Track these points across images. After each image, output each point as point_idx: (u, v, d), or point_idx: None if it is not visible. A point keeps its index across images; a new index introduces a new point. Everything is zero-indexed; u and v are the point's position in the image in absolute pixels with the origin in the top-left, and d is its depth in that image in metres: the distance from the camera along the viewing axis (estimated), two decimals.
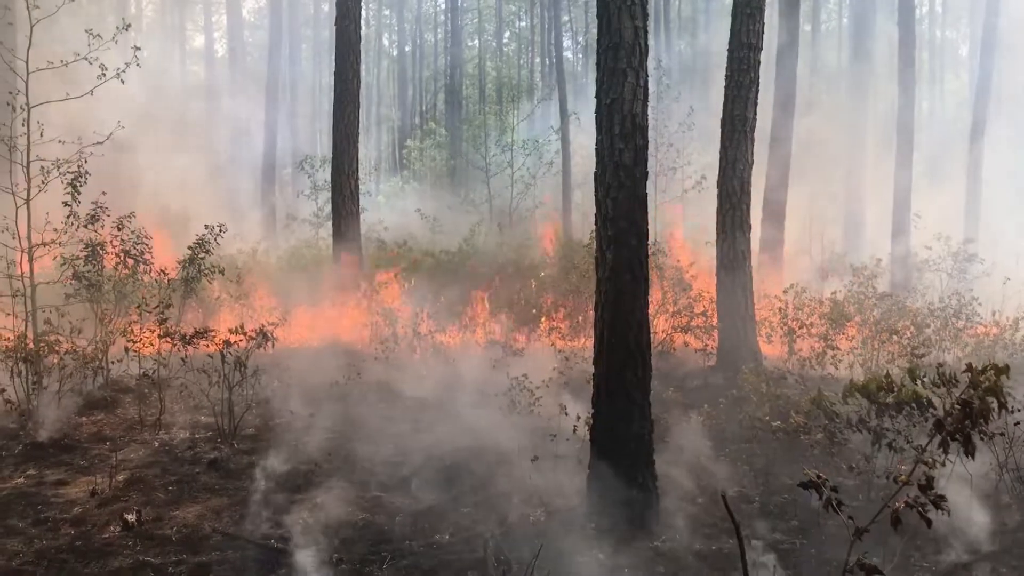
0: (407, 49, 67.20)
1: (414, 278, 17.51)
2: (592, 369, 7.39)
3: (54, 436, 9.84)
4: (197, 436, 10.05)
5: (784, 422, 8.69)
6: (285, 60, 46.62)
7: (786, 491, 8.08)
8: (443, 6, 64.68)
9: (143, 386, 11.74)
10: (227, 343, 9.81)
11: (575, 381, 10.87)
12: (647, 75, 6.79)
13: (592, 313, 16.35)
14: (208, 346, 10.10)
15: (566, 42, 48.64)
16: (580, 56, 51.34)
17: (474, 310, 14.71)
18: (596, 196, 6.97)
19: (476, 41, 60.18)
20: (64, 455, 9.37)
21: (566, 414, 8.73)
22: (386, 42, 65.50)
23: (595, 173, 7.01)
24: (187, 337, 9.83)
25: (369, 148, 22.97)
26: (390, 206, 30.73)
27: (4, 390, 10.11)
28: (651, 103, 6.46)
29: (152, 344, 10.70)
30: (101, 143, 12.19)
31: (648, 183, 6.93)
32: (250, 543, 6.79)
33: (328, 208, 28.01)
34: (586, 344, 14.35)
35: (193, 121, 33.36)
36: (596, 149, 6.98)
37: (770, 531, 7.16)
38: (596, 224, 7.01)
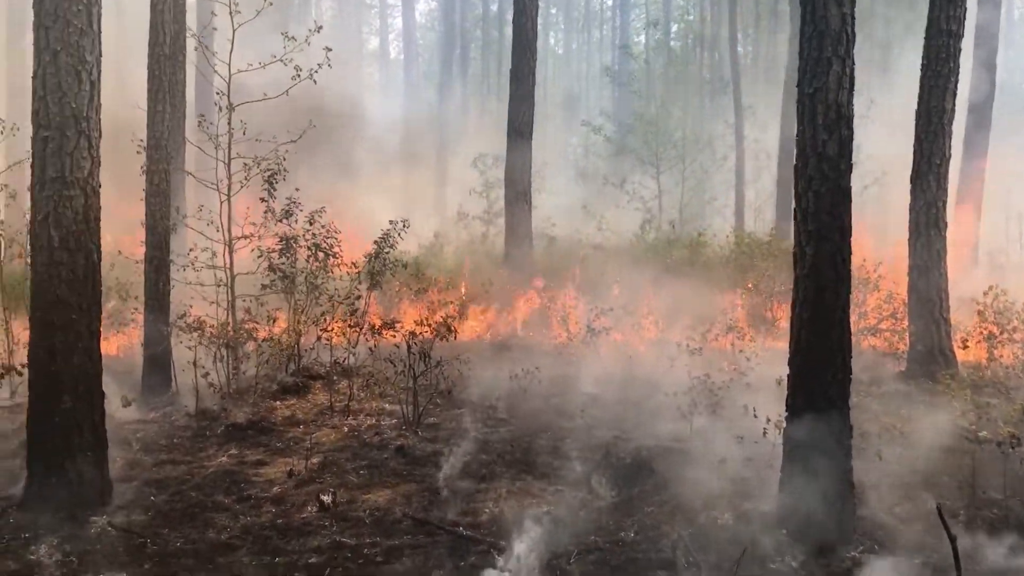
0: (573, 47, 67.45)
1: (586, 274, 17.47)
2: (776, 372, 7.13)
3: (252, 419, 10.41)
4: (383, 423, 10.38)
5: (990, 432, 8.10)
6: (456, 61, 47.82)
7: (994, 505, 7.52)
8: (610, 2, 64.61)
9: (332, 374, 12.25)
10: (412, 334, 10.09)
11: (758, 383, 10.52)
12: (853, 63, 6.47)
13: (770, 313, 16.11)
14: (394, 336, 10.42)
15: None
16: (750, 49, 49.91)
17: (649, 307, 14.51)
18: (796, 190, 6.70)
19: (643, 37, 59.65)
20: (262, 437, 9.90)
21: (755, 416, 8.45)
22: (552, 40, 65.99)
23: (795, 166, 6.74)
24: (376, 328, 10.17)
25: (538, 145, 23.22)
26: (556, 203, 30.80)
27: (208, 373, 10.79)
28: None
29: (343, 334, 11.14)
30: (294, 141, 12.84)
31: None
32: (440, 529, 6.94)
33: (498, 205, 28.48)
34: (768, 345, 13.90)
35: (371, 120, 34.58)
36: (796, 141, 6.71)
37: (975, 548, 6.67)
38: (795, 219, 6.74)
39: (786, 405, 6.96)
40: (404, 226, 13.15)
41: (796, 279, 6.75)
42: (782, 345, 11.46)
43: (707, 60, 50.22)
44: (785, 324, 15.01)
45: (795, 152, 6.79)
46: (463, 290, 17.97)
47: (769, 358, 11.26)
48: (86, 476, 7.20)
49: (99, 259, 7.36)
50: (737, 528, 6.89)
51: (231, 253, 12.22)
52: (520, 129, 19.23)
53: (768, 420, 7.95)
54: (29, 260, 7.26)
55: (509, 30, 28.52)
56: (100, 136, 7.29)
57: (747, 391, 10.27)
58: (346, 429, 10.14)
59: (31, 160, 7.15)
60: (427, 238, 25.05)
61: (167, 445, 9.53)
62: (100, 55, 7.26)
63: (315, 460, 8.79)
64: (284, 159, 11.82)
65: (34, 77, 7.07)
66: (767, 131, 30.01)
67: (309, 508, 7.47)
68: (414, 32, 53.06)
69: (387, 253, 13.13)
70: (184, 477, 8.39)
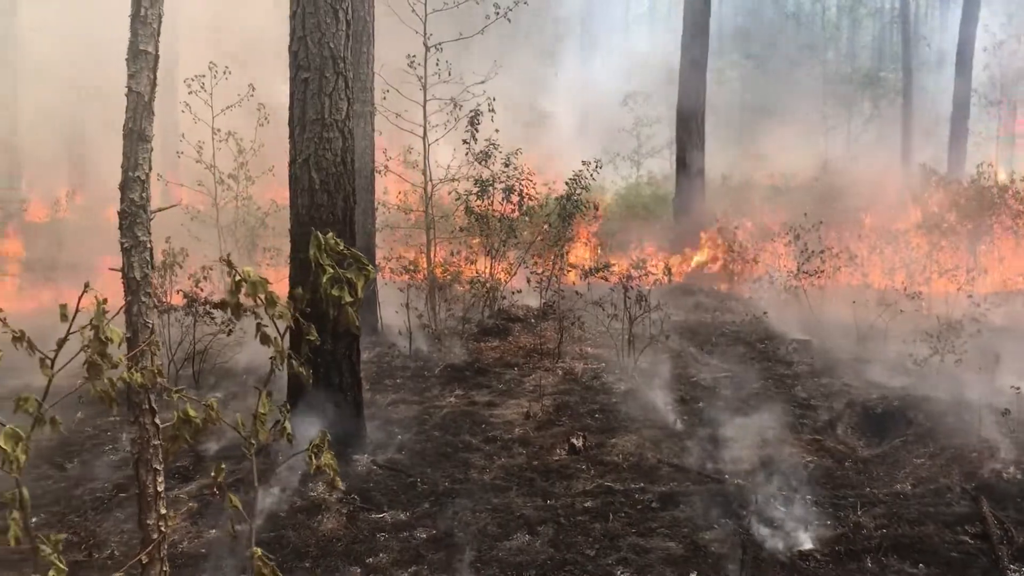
0: None
1: (765, 216, 16.85)
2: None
3: (467, 360, 10.48)
4: (594, 367, 10.27)
5: None
6: None
7: None
8: None
9: (529, 316, 12.22)
10: (628, 277, 9.88)
11: (1000, 332, 9.89)
12: None
13: (987, 260, 15.13)
14: (607, 279, 10.23)
15: None
16: None
17: (851, 251, 13.84)
18: None
19: None
20: (480, 378, 9.94)
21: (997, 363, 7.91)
22: None
23: None
24: (590, 270, 10.00)
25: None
26: (718, 141, 29.78)
27: (422, 315, 10.89)
28: None
29: (556, 276, 11.03)
30: (483, 82, 12.68)
31: None
32: (704, 476, 6.76)
33: (651, 143, 27.91)
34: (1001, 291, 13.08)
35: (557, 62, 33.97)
36: None
37: None
38: None
39: None
40: (597, 167, 12.87)
41: None
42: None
43: None
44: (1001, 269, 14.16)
45: None
46: (634, 231, 17.61)
47: (1003, 305, 10.59)
48: (345, 414, 7.32)
49: (355, 201, 7.38)
50: None
51: (428, 198, 12.24)
52: (693, 59, 18.58)
53: None
54: (288, 202, 7.30)
55: None
56: (354, 77, 7.26)
57: (990, 337, 9.66)
58: (560, 372, 10.07)
59: (290, 101, 7.17)
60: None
61: (392, 385, 9.67)
62: None
63: (546, 403, 8.75)
64: (494, 99, 11.65)
65: (292, 16, 7.06)
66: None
67: (559, 451, 7.42)
68: None
69: (579, 195, 12.90)
70: (422, 417, 8.48)
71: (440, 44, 11.65)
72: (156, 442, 2.83)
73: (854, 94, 30.45)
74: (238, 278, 2.83)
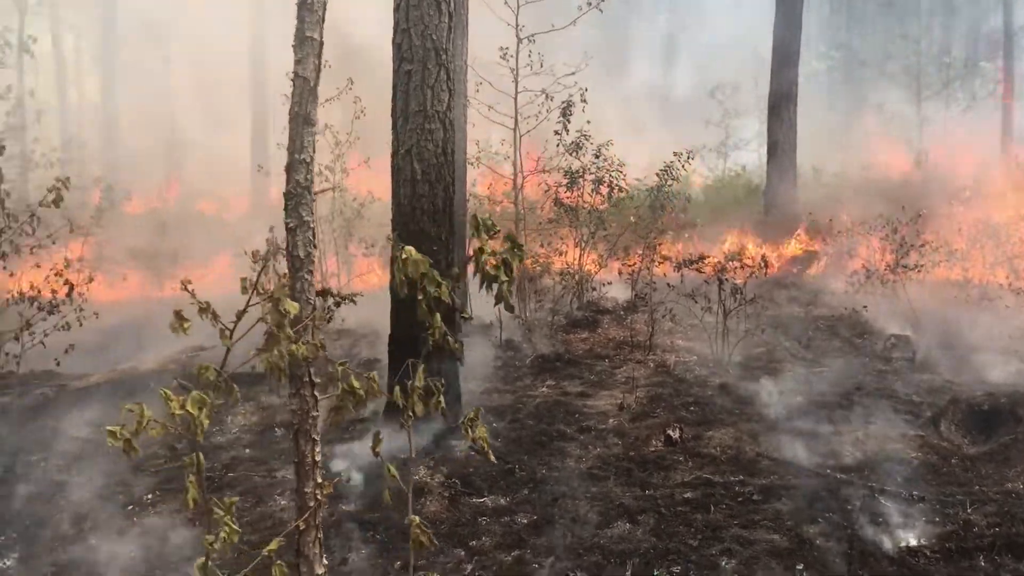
0: None
1: (857, 210, 16.44)
2: None
3: (557, 351, 10.53)
4: (687, 359, 10.21)
5: None
6: None
7: None
8: None
9: (618, 308, 12.22)
10: (723, 269, 9.80)
11: None
12: None
13: None
14: (701, 271, 10.16)
15: None
16: None
17: (949, 244, 13.43)
18: None
19: None
20: (570, 369, 9.98)
21: None
22: None
23: None
24: (685, 262, 9.94)
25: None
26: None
27: (513, 306, 10.97)
28: None
29: (647, 268, 11.01)
30: (573, 74, 12.68)
31: None
32: (805, 470, 6.67)
33: (739, 135, 27.53)
34: None
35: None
36: None
37: None
38: None
39: None
40: (688, 158, 12.78)
41: None
42: None
43: None
44: None
45: None
46: (726, 223, 17.41)
47: None
48: (444, 402, 7.43)
49: (455, 192, 7.49)
50: None
51: (515, 189, 12.32)
52: (785, 51, 18.25)
53: None
54: (391, 192, 7.45)
55: None
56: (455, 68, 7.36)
57: None
58: (652, 365, 10.04)
59: (392, 93, 7.32)
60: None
61: (484, 374, 9.77)
62: None
63: (639, 394, 8.75)
64: (586, 90, 11.67)
65: (396, 9, 7.19)
66: None
67: (654, 442, 7.40)
68: None
69: (669, 186, 12.83)
70: (515, 405, 8.57)
71: (533, 36, 11.70)
72: (315, 413, 2.96)
73: (951, 84, 29.47)
74: (404, 256, 2.94)
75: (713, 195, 21.33)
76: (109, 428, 2.75)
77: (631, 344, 10.80)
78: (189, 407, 2.65)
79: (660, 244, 11.36)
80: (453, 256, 7.52)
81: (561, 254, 12.24)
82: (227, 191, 22.44)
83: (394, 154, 7.36)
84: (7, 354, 7.62)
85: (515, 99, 12.22)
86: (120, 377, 9.02)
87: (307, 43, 3.00)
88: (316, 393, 3.01)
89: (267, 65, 25.02)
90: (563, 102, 11.67)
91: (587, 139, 11.98)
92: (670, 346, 10.79)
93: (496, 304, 3.15)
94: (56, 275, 7.82)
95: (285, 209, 3.04)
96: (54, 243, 7.90)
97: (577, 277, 12.03)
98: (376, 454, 3.34)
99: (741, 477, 6.58)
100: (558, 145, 11.91)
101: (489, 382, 9.44)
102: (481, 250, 2.88)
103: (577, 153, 12.04)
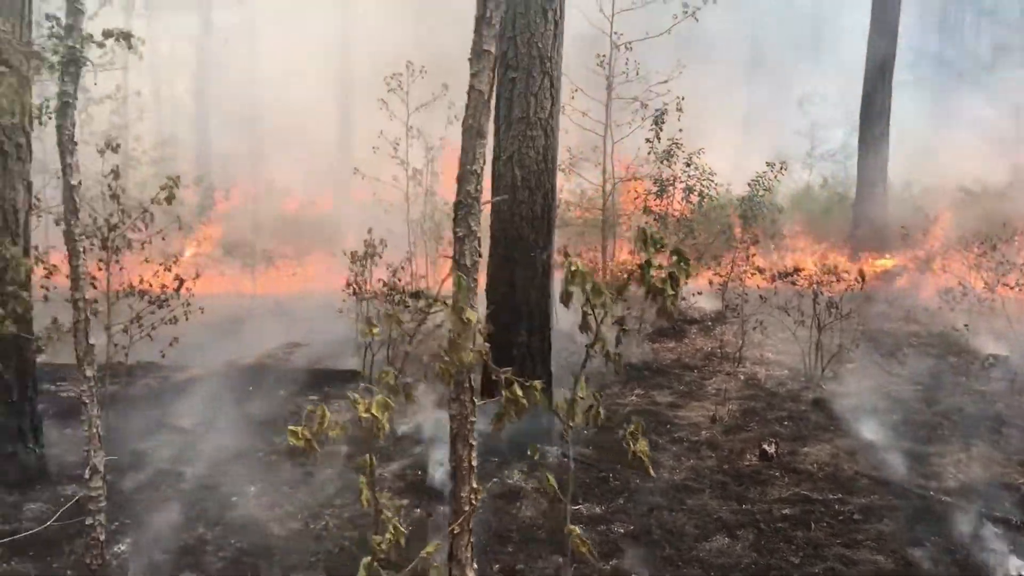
0: None
1: (958, 224, 15.97)
2: None
3: (644, 360, 10.49)
4: (778, 373, 10.08)
5: None
6: None
7: None
8: None
9: (705, 318, 12.11)
10: (819, 282, 9.64)
11: None
12: None
13: None
14: (795, 283, 10.01)
15: None
16: None
17: None
18: None
19: None
20: (659, 378, 9.94)
21: None
22: None
23: None
24: (780, 274, 9.81)
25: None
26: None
27: (588, 314, 10.95)
28: None
29: (739, 278, 10.90)
30: (665, 82, 12.62)
31: None
32: (906, 491, 6.52)
33: (825, 147, 26.99)
34: None
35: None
36: None
37: None
38: None
39: None
40: (782, 169, 12.62)
41: None
42: None
43: None
44: None
45: None
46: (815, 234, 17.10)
47: None
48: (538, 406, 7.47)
49: (554, 198, 7.54)
50: None
51: (604, 196, 12.32)
52: (881, 60, 17.86)
53: None
54: (491, 197, 7.51)
55: None
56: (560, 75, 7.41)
57: None
58: (742, 377, 9.94)
59: (495, 100, 7.39)
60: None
61: (571, 382, 9.76)
62: None
63: (731, 407, 8.67)
64: (682, 99, 11.61)
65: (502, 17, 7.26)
66: None
67: (749, 456, 7.33)
68: None
69: (761, 196, 12.67)
70: (605, 413, 8.54)
71: (630, 43, 11.70)
72: (473, 419, 3.03)
73: None
74: (573, 268, 3.00)
75: (800, 206, 20.92)
76: (291, 428, 2.88)
77: (720, 355, 10.70)
78: (374, 410, 2.75)
79: (753, 255, 11.21)
80: (549, 262, 7.56)
81: None
82: (312, 190, 22.95)
83: (495, 160, 7.42)
84: (115, 345, 7.89)
85: (606, 107, 12.23)
86: (221, 370, 9.30)
87: (484, 56, 3.07)
88: (475, 399, 3.08)
89: (352, 66, 25.57)
90: (656, 110, 11.62)
91: (679, 147, 11.91)
92: (760, 359, 10.66)
93: (659, 316, 3.16)
94: (166, 270, 8.08)
95: (454, 219, 3.12)
96: (163, 239, 8.16)
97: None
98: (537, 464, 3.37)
99: (840, 495, 6.47)
100: (649, 153, 11.87)
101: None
102: (648, 263, 2.90)
103: (669, 161, 11.98)
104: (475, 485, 2.99)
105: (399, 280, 9.35)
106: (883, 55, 17.84)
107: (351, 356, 10.12)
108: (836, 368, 10.09)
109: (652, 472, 3.65)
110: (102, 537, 4.51)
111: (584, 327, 3.14)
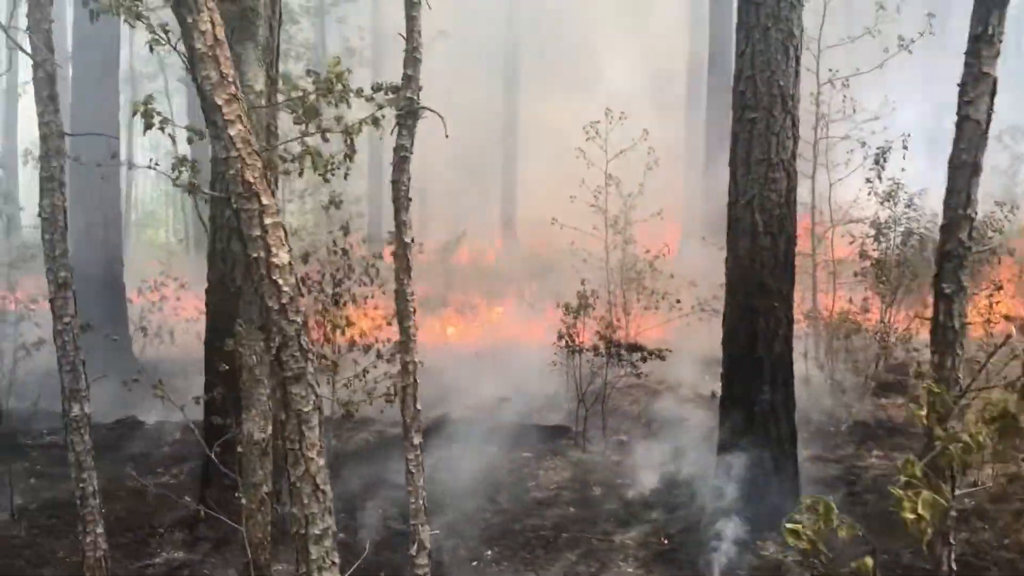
0: None
1: None
2: None
3: (874, 416, 9.73)
4: None
5: None
6: None
7: None
8: None
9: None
10: None
11: None
12: None
13: None
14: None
15: None
16: None
17: None
18: None
19: None
20: (896, 438, 9.26)
21: None
22: None
23: None
24: None
25: None
26: None
27: (823, 365, 10.28)
28: None
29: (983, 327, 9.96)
30: (876, 119, 11.88)
31: None
32: None
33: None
34: None
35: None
36: None
37: None
38: None
39: None
40: (1013, 209, 11.56)
41: None
42: None
43: None
44: None
45: None
46: None
47: None
48: (783, 471, 6.93)
49: (795, 244, 7.04)
50: None
51: (811, 239, 11.62)
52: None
53: None
54: (726, 243, 7.09)
55: None
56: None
57: None
58: None
59: (731, 141, 7.01)
60: None
61: (800, 439, 9.12)
62: (803, 29, 6.91)
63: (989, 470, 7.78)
64: (908, 137, 10.84)
65: (740, 55, 6.89)
66: None
67: None
68: None
69: (990, 239, 11.59)
70: (847, 478, 8.00)
71: (847, 79, 11.09)
72: None
73: None
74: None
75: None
76: (789, 526, 2.57)
77: None
78: (921, 510, 2.42)
79: (997, 302, 10.19)
80: (791, 312, 7.03)
81: (865, 310, 11.35)
82: (480, 240, 23.04)
83: (732, 204, 7.00)
84: (338, 401, 7.91)
85: (814, 146, 11.59)
86: (433, 424, 9.18)
87: (983, 81, 2.69)
88: None
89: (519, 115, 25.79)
90: (878, 148, 10.88)
91: (900, 187, 11.09)
92: None
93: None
94: (388, 324, 8.04)
95: (940, 271, 2.71)
96: (384, 293, 8.14)
97: (884, 336, 11.06)
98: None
99: None
100: (869, 194, 11.11)
101: (807, 448, 8.77)
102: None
103: (889, 202, 11.17)
104: None
105: (612, 332, 9.02)
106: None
107: (560, 410, 9.93)
108: None
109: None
110: None
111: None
